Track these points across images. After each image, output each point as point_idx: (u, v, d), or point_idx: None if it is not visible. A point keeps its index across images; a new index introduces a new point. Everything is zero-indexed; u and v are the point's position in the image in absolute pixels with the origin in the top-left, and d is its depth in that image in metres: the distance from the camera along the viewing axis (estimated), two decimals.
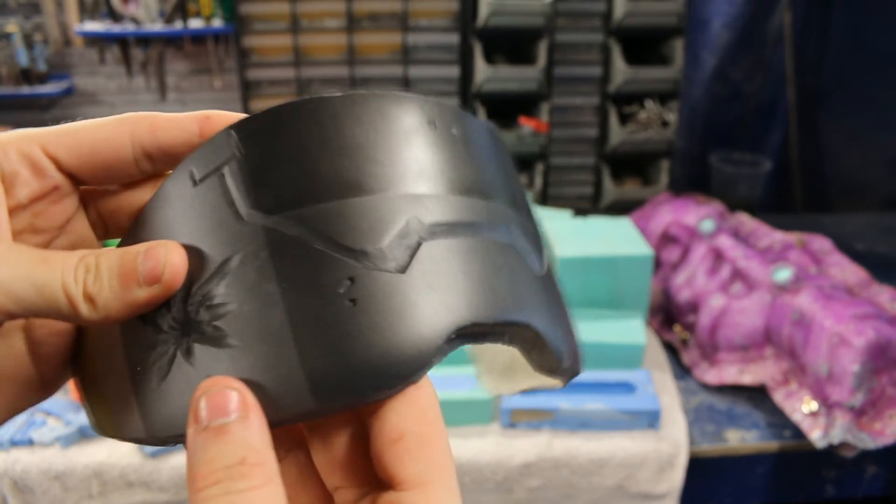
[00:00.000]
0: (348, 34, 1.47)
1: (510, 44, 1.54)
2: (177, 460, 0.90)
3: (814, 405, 0.93)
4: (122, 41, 1.49)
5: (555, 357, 0.25)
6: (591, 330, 1.01)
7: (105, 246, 0.28)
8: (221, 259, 0.23)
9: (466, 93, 1.51)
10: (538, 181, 1.55)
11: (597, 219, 1.17)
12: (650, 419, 0.92)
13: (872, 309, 0.95)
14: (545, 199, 1.58)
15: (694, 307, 1.10)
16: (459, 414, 0.94)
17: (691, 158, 1.67)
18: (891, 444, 0.88)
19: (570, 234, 1.09)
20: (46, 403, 0.94)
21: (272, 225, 0.23)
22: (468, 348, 0.28)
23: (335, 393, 0.21)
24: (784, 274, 1.03)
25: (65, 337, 0.27)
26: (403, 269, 0.22)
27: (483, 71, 1.44)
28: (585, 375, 0.95)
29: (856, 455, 0.90)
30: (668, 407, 0.97)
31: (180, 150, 0.26)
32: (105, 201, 0.28)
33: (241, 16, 1.44)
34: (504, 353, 0.28)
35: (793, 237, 1.20)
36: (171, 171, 0.27)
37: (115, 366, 0.25)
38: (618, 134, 1.52)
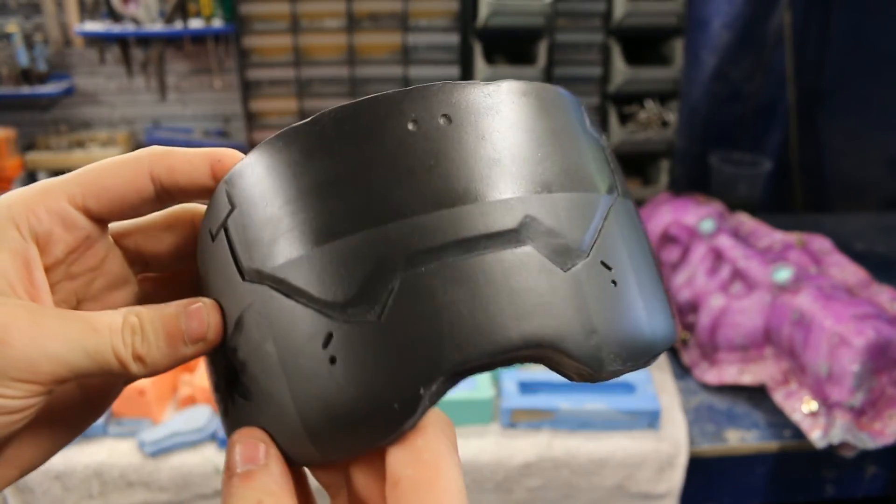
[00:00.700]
0: (348, 34, 1.47)
1: (510, 44, 1.54)
2: (177, 461, 0.91)
3: (814, 405, 0.93)
4: (122, 41, 1.49)
5: (585, 364, 0.22)
6: None
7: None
8: (237, 316, 0.24)
9: None
10: None
11: None
12: (650, 419, 0.92)
13: (872, 309, 0.95)
14: None
15: (694, 307, 1.10)
16: (459, 414, 0.94)
17: (691, 158, 1.67)
18: (890, 444, 0.88)
19: None
20: None
21: (261, 282, 0.23)
22: None
23: (333, 446, 0.22)
24: (784, 274, 1.03)
25: None
26: (380, 316, 0.21)
27: (483, 71, 1.44)
28: None
29: (855, 455, 0.90)
30: (668, 407, 0.97)
31: (196, 190, 0.27)
32: (142, 239, 0.29)
33: (241, 16, 1.44)
34: None
35: (793, 237, 1.20)
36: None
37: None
38: (618, 134, 1.52)
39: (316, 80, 1.50)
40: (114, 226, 0.29)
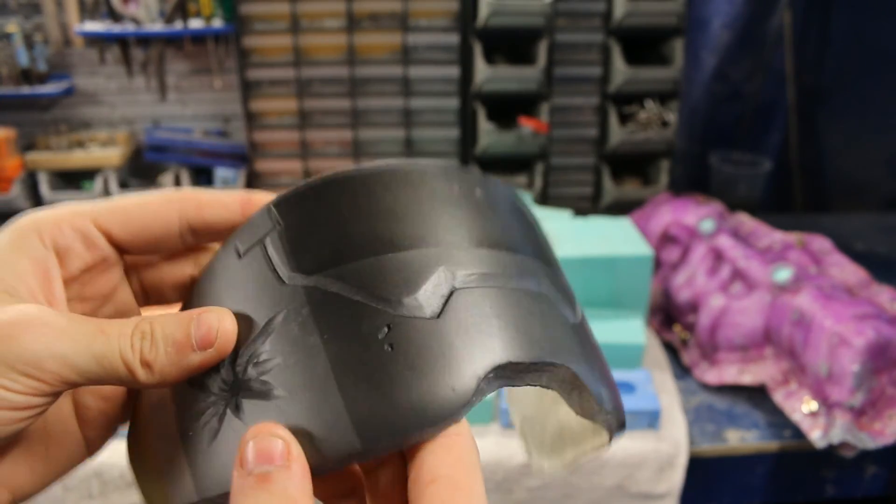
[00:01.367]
0: (348, 34, 1.47)
1: (510, 44, 1.54)
2: None
3: (814, 405, 0.93)
4: (122, 41, 1.49)
5: (595, 399, 0.26)
6: None
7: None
8: (266, 319, 0.25)
9: (466, 93, 1.51)
10: (538, 181, 1.55)
11: (597, 219, 1.17)
12: (650, 419, 0.92)
13: (872, 309, 0.95)
14: (545, 199, 1.58)
15: (694, 307, 1.10)
16: None
17: (691, 158, 1.67)
18: (891, 444, 0.88)
19: (570, 234, 1.09)
20: None
21: (312, 284, 0.24)
22: (517, 431, 0.30)
23: (380, 434, 0.22)
24: (784, 274, 1.03)
25: (111, 402, 0.28)
26: (438, 315, 0.23)
27: (483, 71, 1.44)
28: None
29: (856, 455, 0.90)
30: (668, 407, 0.97)
31: (223, 227, 0.29)
32: (147, 272, 0.30)
33: (241, 16, 1.44)
34: (551, 425, 0.29)
35: (793, 237, 1.20)
36: (212, 244, 0.30)
37: (167, 434, 0.26)
38: (618, 134, 1.52)
39: (316, 79, 1.50)
40: (128, 260, 0.30)
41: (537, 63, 1.46)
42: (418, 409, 0.22)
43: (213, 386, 0.25)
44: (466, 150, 1.54)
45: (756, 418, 0.99)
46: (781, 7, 1.57)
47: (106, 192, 1.51)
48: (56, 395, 0.24)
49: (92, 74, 1.56)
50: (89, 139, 1.53)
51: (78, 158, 1.50)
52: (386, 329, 0.23)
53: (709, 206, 1.26)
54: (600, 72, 1.53)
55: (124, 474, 0.89)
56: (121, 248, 0.28)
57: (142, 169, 1.61)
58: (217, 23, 1.47)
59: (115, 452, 0.97)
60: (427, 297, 0.24)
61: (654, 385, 0.97)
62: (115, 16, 1.45)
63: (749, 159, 1.54)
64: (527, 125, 1.48)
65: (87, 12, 1.49)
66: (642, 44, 1.53)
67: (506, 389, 0.28)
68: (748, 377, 1.02)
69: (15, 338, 0.23)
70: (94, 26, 1.46)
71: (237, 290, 0.26)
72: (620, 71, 1.48)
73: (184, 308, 0.29)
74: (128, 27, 1.45)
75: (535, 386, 0.25)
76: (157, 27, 1.46)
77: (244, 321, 0.25)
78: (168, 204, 0.28)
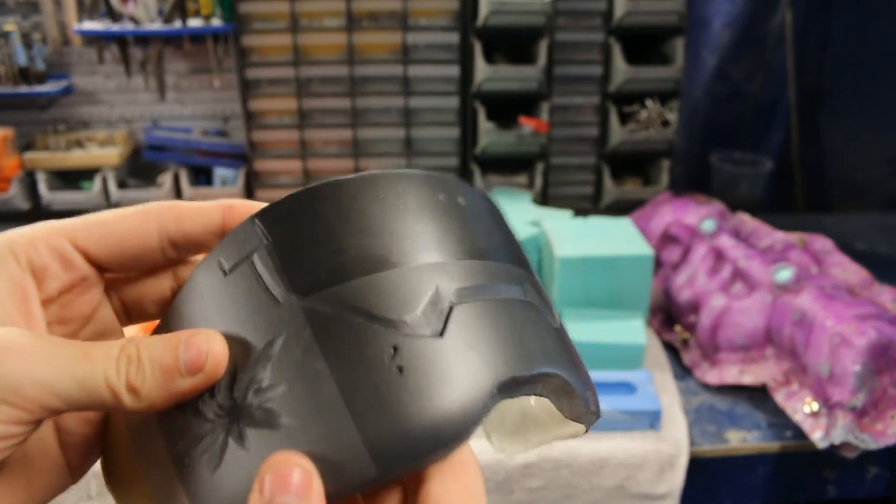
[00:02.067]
0: (348, 34, 1.47)
1: (510, 43, 1.54)
2: None
3: (815, 405, 0.93)
4: (120, 40, 1.49)
5: (582, 402, 0.27)
6: (591, 330, 1.01)
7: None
8: (264, 343, 0.24)
9: (466, 92, 1.51)
10: (538, 181, 1.54)
11: (597, 219, 1.16)
12: (651, 419, 0.92)
13: (874, 309, 0.94)
14: (545, 199, 1.57)
15: (694, 307, 1.10)
16: None
17: (692, 158, 1.66)
18: (892, 444, 0.88)
19: (570, 234, 1.09)
20: None
21: (310, 305, 0.24)
22: None
23: (395, 458, 0.22)
24: (785, 274, 1.03)
25: (93, 426, 0.27)
26: (440, 334, 0.23)
27: (483, 70, 1.43)
28: None
29: (857, 456, 0.90)
30: (669, 407, 0.96)
31: (205, 238, 0.27)
32: (127, 289, 0.29)
33: (240, 15, 1.44)
34: (512, 413, 0.29)
35: (794, 237, 1.20)
36: (194, 258, 0.29)
37: (155, 459, 0.25)
38: (618, 133, 1.52)
39: (315, 79, 1.49)
40: (107, 277, 0.28)
41: (537, 62, 1.46)
42: (432, 432, 0.22)
43: (209, 412, 0.24)
44: (466, 149, 1.54)
45: (757, 419, 0.99)
46: (783, 6, 1.57)
47: (105, 192, 1.51)
48: (37, 424, 0.23)
49: (90, 74, 1.55)
50: (88, 139, 1.53)
51: (76, 158, 1.49)
52: (392, 350, 0.23)
53: (709, 205, 1.25)
54: (601, 71, 1.52)
55: None
56: (99, 267, 0.27)
57: (141, 168, 1.60)
58: (216, 22, 1.47)
59: None
60: (427, 315, 0.23)
61: (654, 385, 0.96)
62: (113, 15, 1.45)
63: (750, 159, 1.53)
64: (527, 125, 1.47)
65: (85, 11, 1.48)
66: (643, 43, 1.53)
67: None
68: (749, 377, 1.02)
69: None
70: (93, 25, 1.46)
71: (226, 311, 0.25)
72: (621, 70, 1.48)
73: (162, 326, 0.27)
74: (126, 26, 1.45)
75: (531, 395, 0.25)
76: (156, 26, 1.45)
77: (236, 344, 0.24)
78: (146, 217, 0.27)
